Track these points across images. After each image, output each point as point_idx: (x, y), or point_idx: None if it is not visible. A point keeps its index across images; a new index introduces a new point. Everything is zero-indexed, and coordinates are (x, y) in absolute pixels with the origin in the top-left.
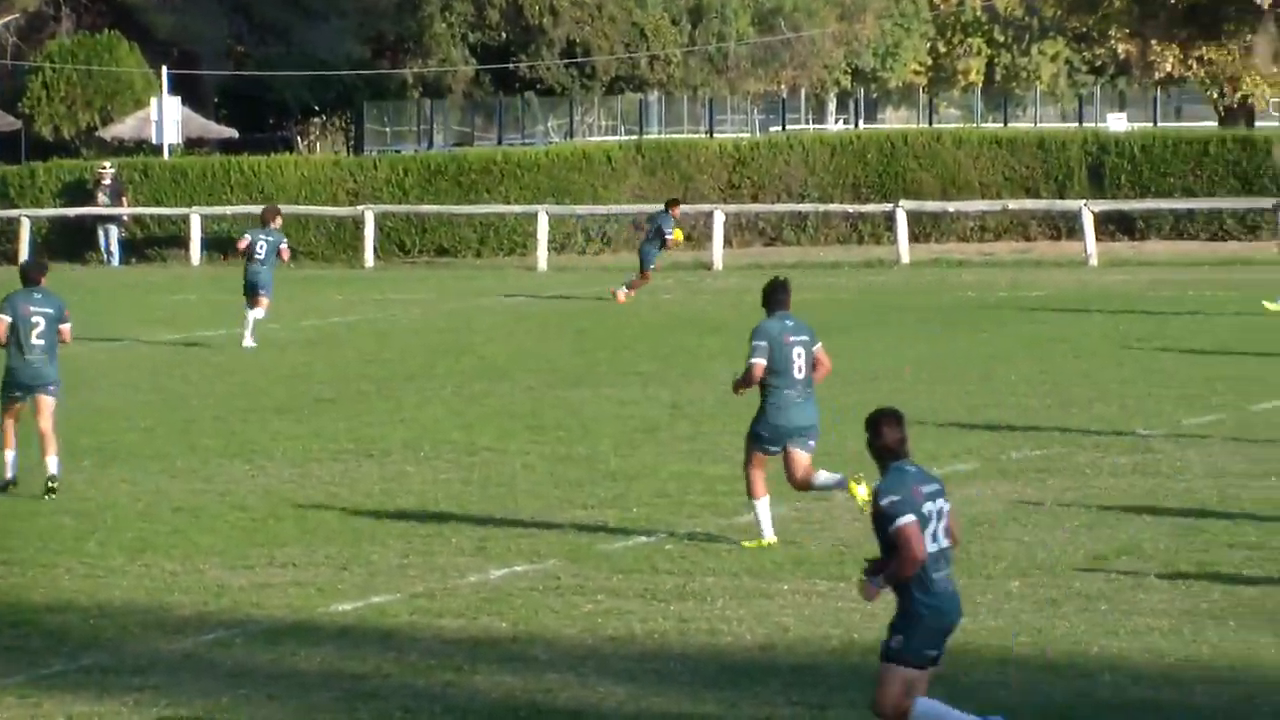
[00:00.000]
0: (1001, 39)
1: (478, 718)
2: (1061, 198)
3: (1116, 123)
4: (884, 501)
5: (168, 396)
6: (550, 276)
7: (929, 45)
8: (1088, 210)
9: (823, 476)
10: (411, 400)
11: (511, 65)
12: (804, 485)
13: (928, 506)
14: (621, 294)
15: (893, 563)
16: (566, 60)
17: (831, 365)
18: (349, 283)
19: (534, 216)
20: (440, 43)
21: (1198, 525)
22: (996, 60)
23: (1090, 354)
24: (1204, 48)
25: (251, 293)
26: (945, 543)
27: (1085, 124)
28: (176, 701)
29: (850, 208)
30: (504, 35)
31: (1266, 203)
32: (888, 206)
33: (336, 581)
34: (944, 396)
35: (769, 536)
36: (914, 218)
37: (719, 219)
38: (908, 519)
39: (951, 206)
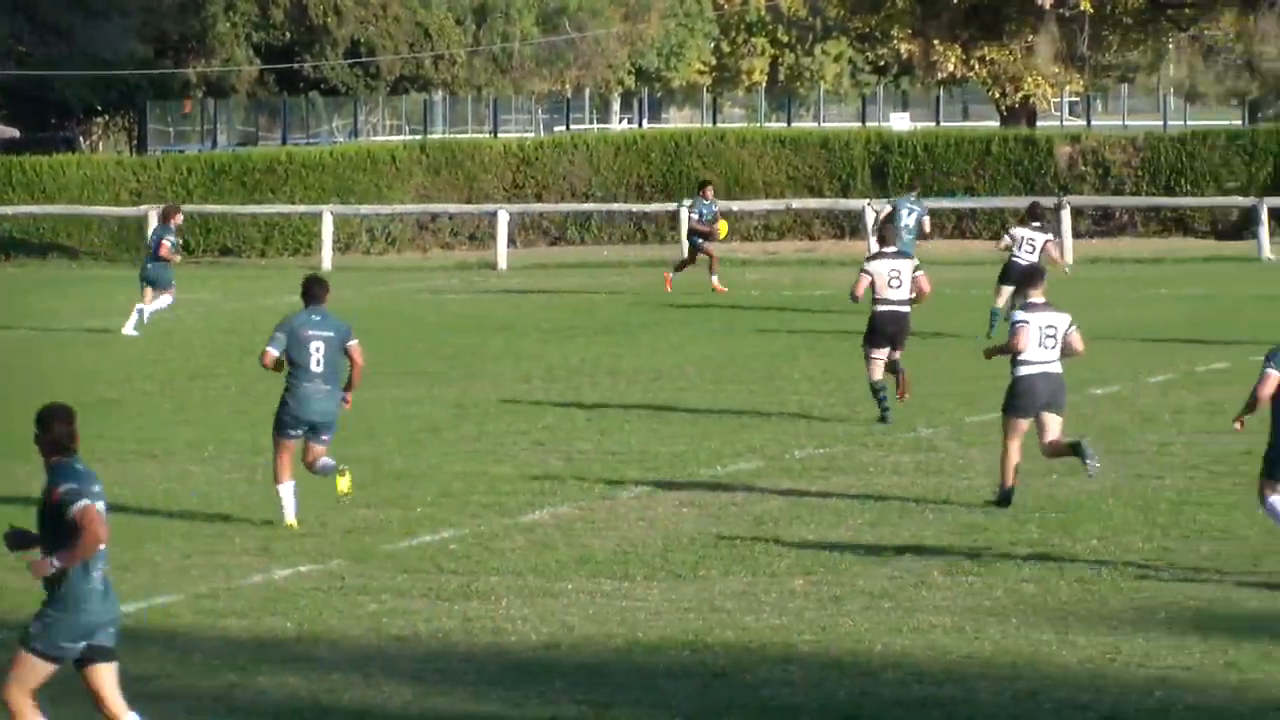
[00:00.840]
0: (785, 39)
1: (262, 718)
2: (845, 197)
3: (899, 122)
4: (61, 489)
5: None
6: (335, 276)
7: (713, 45)
8: (871, 209)
9: (323, 462)
10: (196, 400)
11: (296, 65)
12: (311, 467)
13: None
14: (669, 279)
15: (72, 548)
16: (351, 60)
17: (364, 363)
18: (132, 283)
19: (318, 216)
20: (224, 42)
21: (980, 523)
22: (780, 60)
23: None
24: (986, 48)
25: (146, 284)
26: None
27: (869, 123)
28: None
29: (634, 207)
30: (288, 35)
31: (1048, 202)
32: (672, 206)
33: (119, 582)
34: (728, 395)
35: (290, 518)
36: None
37: (503, 219)
38: (87, 502)
39: (735, 206)
